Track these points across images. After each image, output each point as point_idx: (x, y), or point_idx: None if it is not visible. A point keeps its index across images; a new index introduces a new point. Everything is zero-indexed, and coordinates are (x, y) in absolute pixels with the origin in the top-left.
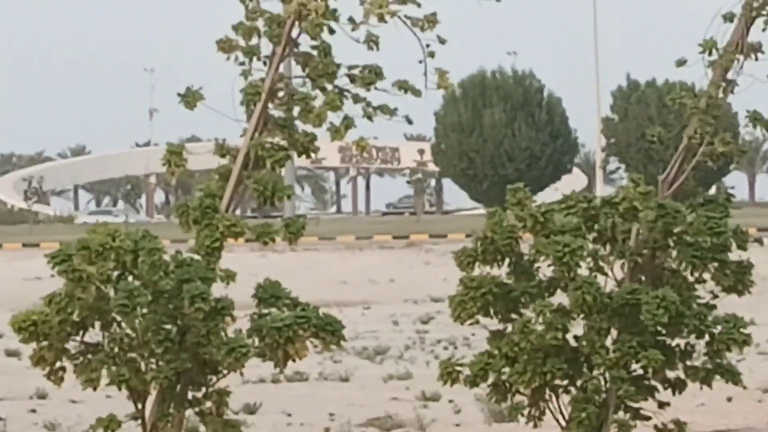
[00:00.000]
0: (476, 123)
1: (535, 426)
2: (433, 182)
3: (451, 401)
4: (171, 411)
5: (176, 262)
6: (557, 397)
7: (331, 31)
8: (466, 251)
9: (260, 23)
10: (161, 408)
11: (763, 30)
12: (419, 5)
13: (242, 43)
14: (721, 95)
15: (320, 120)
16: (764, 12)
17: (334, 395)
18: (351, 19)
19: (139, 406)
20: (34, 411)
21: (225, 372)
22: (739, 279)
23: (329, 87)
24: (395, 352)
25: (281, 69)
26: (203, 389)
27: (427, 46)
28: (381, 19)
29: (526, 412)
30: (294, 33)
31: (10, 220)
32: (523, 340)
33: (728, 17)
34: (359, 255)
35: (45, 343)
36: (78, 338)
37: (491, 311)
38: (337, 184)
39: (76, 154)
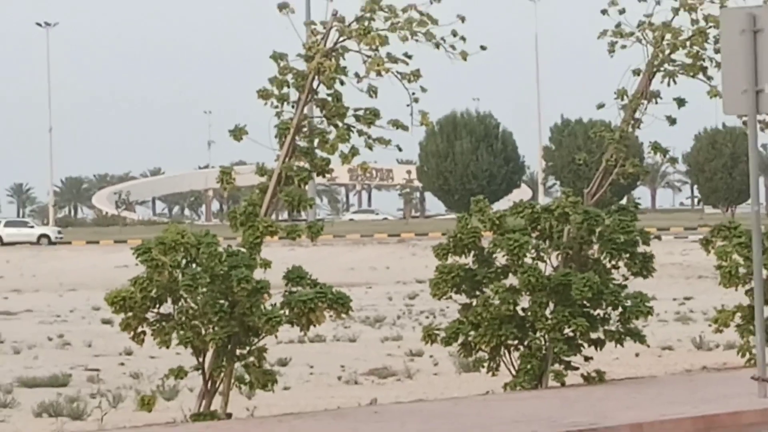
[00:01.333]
0: (449, 151)
1: (493, 375)
2: (418, 194)
3: (431, 356)
4: (223, 364)
5: (227, 254)
6: (509, 353)
7: (342, 83)
8: (442, 246)
9: (289, 77)
10: (216, 361)
11: (661, 82)
12: (407, 63)
13: (276, 92)
14: (630, 130)
15: (333, 149)
16: (662, 69)
17: (345, 352)
18: (356, 74)
19: (200, 360)
20: (122, 364)
21: (263, 335)
22: (644, 266)
23: (340, 124)
24: (389, 320)
25: (305, 111)
26: (247, 347)
27: (413, 94)
28: (378, 74)
29: (486, 364)
30: (314, 84)
31: (105, 224)
32: (484, 311)
33: (635, 72)
34: (363, 249)
35: (130, 313)
36: (155, 310)
37: (460, 290)
38: (347, 196)
39: (154, 174)
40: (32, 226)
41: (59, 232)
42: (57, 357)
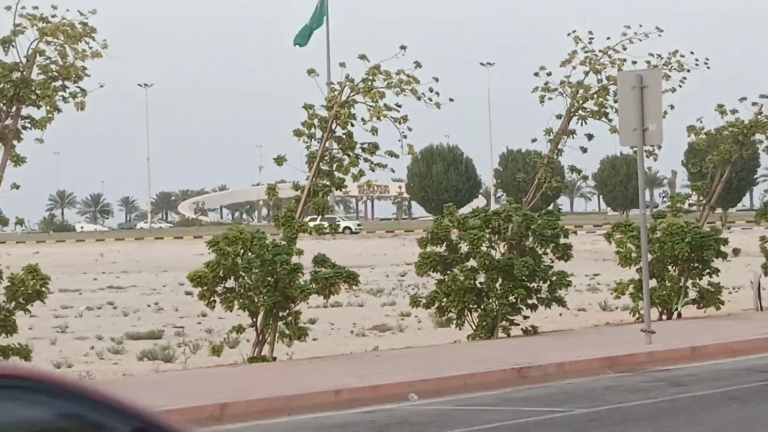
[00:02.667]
0: (428, 172)
1: (460, 329)
2: (406, 203)
3: (416, 317)
4: (270, 322)
5: (272, 245)
6: (471, 314)
7: (352, 125)
8: (423, 239)
9: (315, 121)
10: (265, 321)
11: (576, 123)
12: (399, 111)
13: (306, 131)
14: (554, 157)
15: (346, 171)
16: (577, 114)
17: (355, 314)
18: (362, 119)
19: (254, 320)
20: (199, 323)
21: (298, 302)
22: (564, 252)
23: (351, 154)
24: (387, 291)
25: (326, 144)
26: (287, 311)
27: (402, 132)
28: (378, 118)
29: (454, 322)
30: (333, 126)
31: (187, 225)
32: (453, 284)
33: (558, 116)
34: (367, 241)
35: (205, 287)
36: (222, 285)
37: (436, 269)
38: (356, 204)
39: (221, 189)
40: (339, 220)
41: (359, 225)
42: (153, 318)
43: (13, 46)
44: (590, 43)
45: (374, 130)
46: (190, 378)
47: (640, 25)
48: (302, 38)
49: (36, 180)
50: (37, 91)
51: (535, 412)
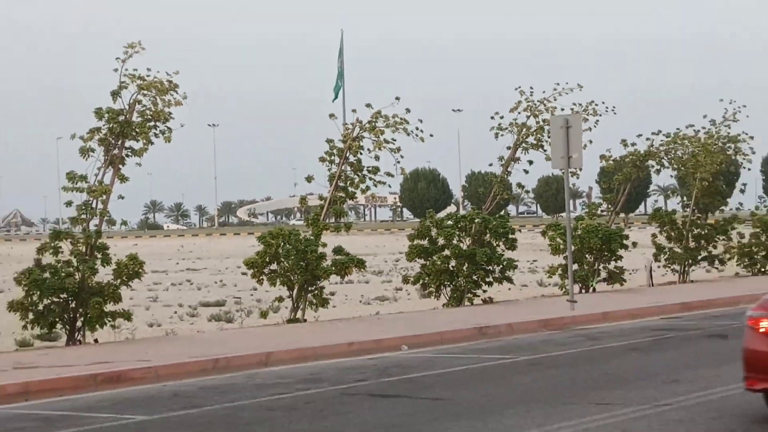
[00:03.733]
0: (415, 187)
1: (437, 299)
2: (399, 209)
3: (406, 291)
4: (302, 294)
5: (304, 239)
6: (445, 288)
7: (360, 154)
8: (412, 235)
9: (334, 151)
10: (299, 293)
11: (521, 152)
12: (394, 143)
13: (327, 158)
14: (506, 176)
15: (357, 186)
16: (521, 146)
17: (363, 288)
18: (368, 149)
19: (291, 293)
20: (251, 295)
21: (322, 280)
22: (512, 244)
23: (360, 174)
24: (385, 272)
25: (342, 167)
26: (314, 286)
27: (397, 159)
28: (379, 149)
29: (433, 294)
30: (347, 154)
31: (243, 224)
32: (433, 267)
33: (508, 147)
34: (371, 236)
35: (256, 269)
36: (268, 267)
37: (421, 256)
38: (364, 210)
39: (267, 199)
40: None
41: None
42: (219, 291)
43: (119, 96)
44: (531, 95)
45: (376, 157)
46: (245, 334)
47: (567, 82)
48: (335, 95)
49: (135, 192)
50: (136, 129)
51: (491, 359)
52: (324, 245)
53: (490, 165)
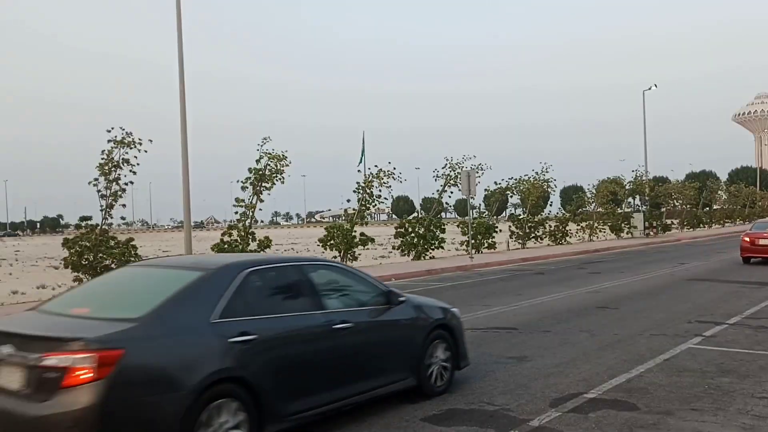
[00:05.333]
0: (398, 205)
1: (409, 257)
2: (393, 215)
3: (394, 253)
4: (347, 256)
5: (346, 229)
6: (412, 252)
7: (371, 188)
8: (396, 227)
9: (359, 188)
10: (344, 254)
11: (450, 189)
12: (389, 183)
13: (357, 190)
14: (441, 199)
15: (371, 204)
16: (447, 186)
17: (372, 253)
18: (376, 186)
19: (340, 253)
20: (322, 254)
21: (355, 247)
22: (444, 231)
23: (372, 198)
24: (384, 244)
25: (362, 194)
26: (351, 250)
27: (390, 191)
28: (380, 187)
29: (407, 254)
30: (366, 189)
31: (318, 221)
32: (405, 241)
33: (441, 185)
34: (378, 228)
35: (323, 243)
36: (329, 242)
37: (401, 236)
38: (373, 216)
39: (329, 210)
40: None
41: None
42: (306, 253)
43: (258, 162)
44: (452, 160)
45: (380, 190)
46: None
47: (475, 156)
48: (360, 164)
49: (266, 206)
50: (267, 179)
51: (434, 284)
52: (355, 231)
53: (433, 194)
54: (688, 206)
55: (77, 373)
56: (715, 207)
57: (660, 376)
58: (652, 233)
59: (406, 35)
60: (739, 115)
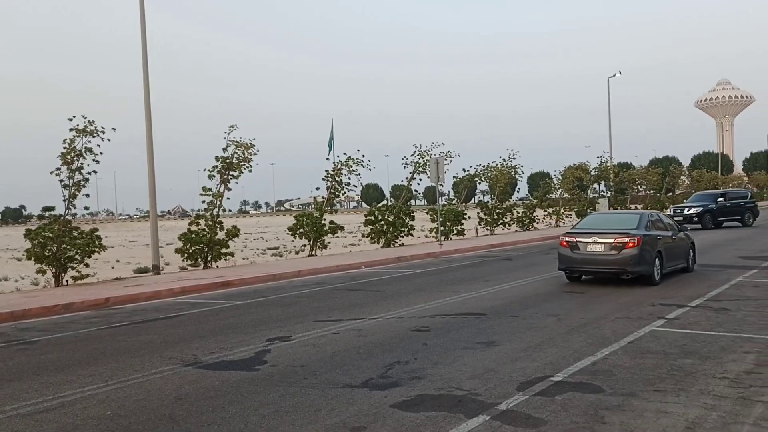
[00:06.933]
0: (367, 192)
1: (378, 244)
2: (362, 203)
3: (364, 241)
4: (315, 243)
5: (315, 217)
6: (382, 239)
7: (340, 176)
8: (366, 214)
9: (328, 176)
10: (313, 243)
11: (417, 175)
12: (358, 171)
13: (326, 178)
14: (410, 186)
15: (340, 192)
16: (417, 173)
17: (342, 240)
18: (346, 174)
19: (309, 242)
20: (292, 242)
21: (325, 236)
22: (413, 218)
23: (341, 186)
24: (354, 233)
25: (332, 182)
26: (320, 239)
27: (360, 179)
28: (350, 174)
29: (376, 242)
30: (336, 177)
31: (287, 210)
32: (375, 229)
33: (410, 172)
34: (347, 216)
35: (292, 231)
36: (299, 230)
37: (370, 224)
38: (342, 203)
39: (298, 198)
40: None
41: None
42: (275, 242)
43: (225, 150)
44: (421, 148)
45: (349, 178)
46: (287, 262)
47: (444, 143)
48: (330, 152)
49: (234, 195)
50: (234, 167)
51: (403, 271)
52: (325, 220)
53: (402, 182)
54: (651, 191)
55: (629, 242)
56: (677, 191)
57: (624, 359)
58: None
59: (374, 13)
60: (701, 101)
